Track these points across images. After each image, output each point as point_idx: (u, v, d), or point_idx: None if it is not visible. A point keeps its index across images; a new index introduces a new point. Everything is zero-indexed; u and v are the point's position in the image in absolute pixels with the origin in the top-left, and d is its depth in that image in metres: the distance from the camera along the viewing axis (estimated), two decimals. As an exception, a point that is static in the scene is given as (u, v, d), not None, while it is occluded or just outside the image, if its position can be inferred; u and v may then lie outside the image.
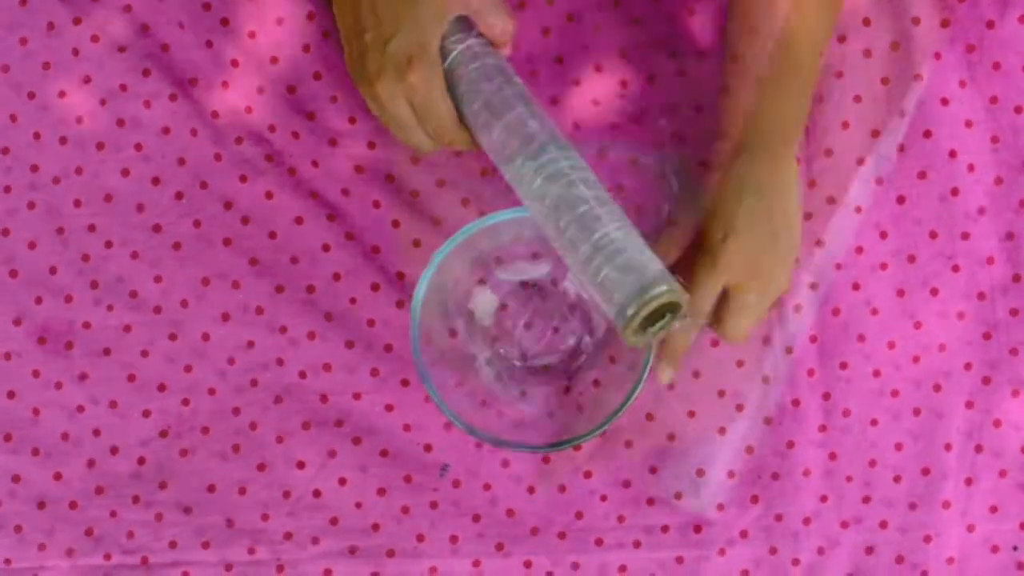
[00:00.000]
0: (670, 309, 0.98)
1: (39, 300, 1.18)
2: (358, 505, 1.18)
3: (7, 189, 1.18)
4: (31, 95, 1.18)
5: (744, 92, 1.07)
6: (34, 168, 1.18)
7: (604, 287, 0.97)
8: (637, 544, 1.17)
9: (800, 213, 1.08)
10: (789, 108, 1.08)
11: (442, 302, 1.11)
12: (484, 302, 1.15)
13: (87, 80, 1.18)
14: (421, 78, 1.02)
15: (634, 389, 1.05)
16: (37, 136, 1.18)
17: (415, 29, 1.01)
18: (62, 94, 1.18)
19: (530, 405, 1.14)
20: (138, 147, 1.18)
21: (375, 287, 1.18)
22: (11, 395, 1.18)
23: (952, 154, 1.17)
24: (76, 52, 1.18)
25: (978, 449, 1.17)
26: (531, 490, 1.17)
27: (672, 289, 0.96)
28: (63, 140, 1.18)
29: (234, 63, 1.18)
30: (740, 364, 1.17)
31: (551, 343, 1.16)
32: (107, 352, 1.18)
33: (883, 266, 1.17)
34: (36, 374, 1.18)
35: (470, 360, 1.15)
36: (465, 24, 1.04)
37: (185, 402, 1.18)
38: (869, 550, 1.17)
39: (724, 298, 1.06)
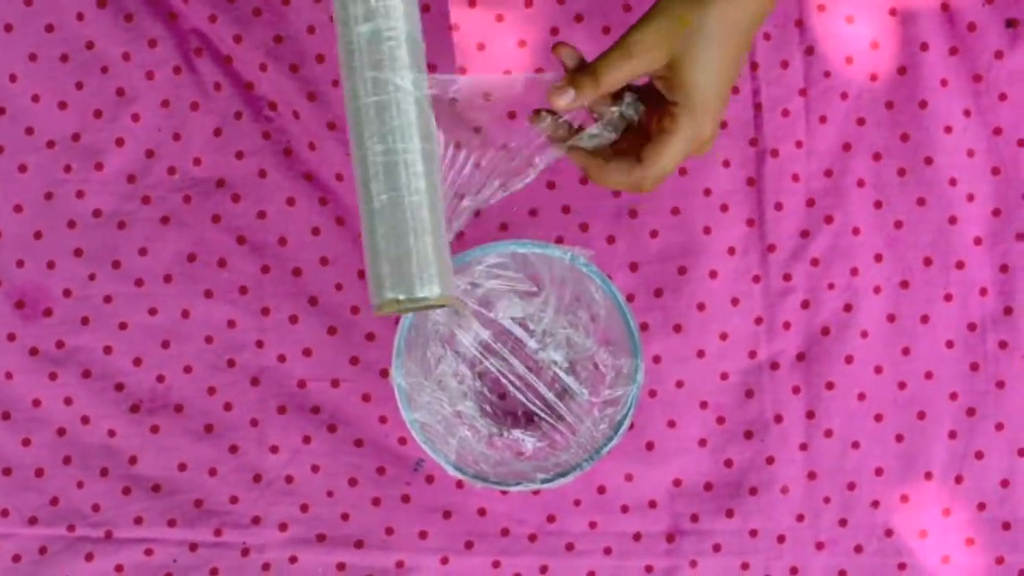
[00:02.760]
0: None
1: (21, 264, 1.17)
2: (329, 494, 1.16)
3: (0, 150, 1.17)
4: (32, 57, 1.18)
5: None
6: (29, 131, 1.17)
7: (378, 253, 0.88)
8: (608, 551, 1.16)
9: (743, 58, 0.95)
10: None
11: (423, 345, 1.10)
12: (466, 344, 1.13)
13: (90, 46, 1.18)
14: None
15: (621, 423, 1.04)
16: (36, 99, 1.18)
17: None
18: (64, 58, 1.18)
19: (514, 442, 1.13)
20: (135, 117, 1.17)
21: (362, 274, 1.17)
22: (-16, 357, 1.17)
23: (952, 182, 1.16)
24: (81, 17, 1.18)
25: (958, 480, 1.16)
26: (503, 491, 1.15)
27: (442, 295, 0.88)
28: (62, 105, 1.17)
29: (237, 39, 1.17)
30: (724, 376, 1.16)
31: (528, 382, 1.15)
32: (85, 321, 1.17)
33: (876, 290, 1.16)
34: (12, 338, 1.17)
35: (456, 397, 1.13)
36: None
37: (160, 378, 1.17)
38: (842, 574, 1.15)
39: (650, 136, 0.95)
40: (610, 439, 1.04)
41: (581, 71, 0.92)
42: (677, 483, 1.16)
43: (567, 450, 1.07)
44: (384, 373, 1.16)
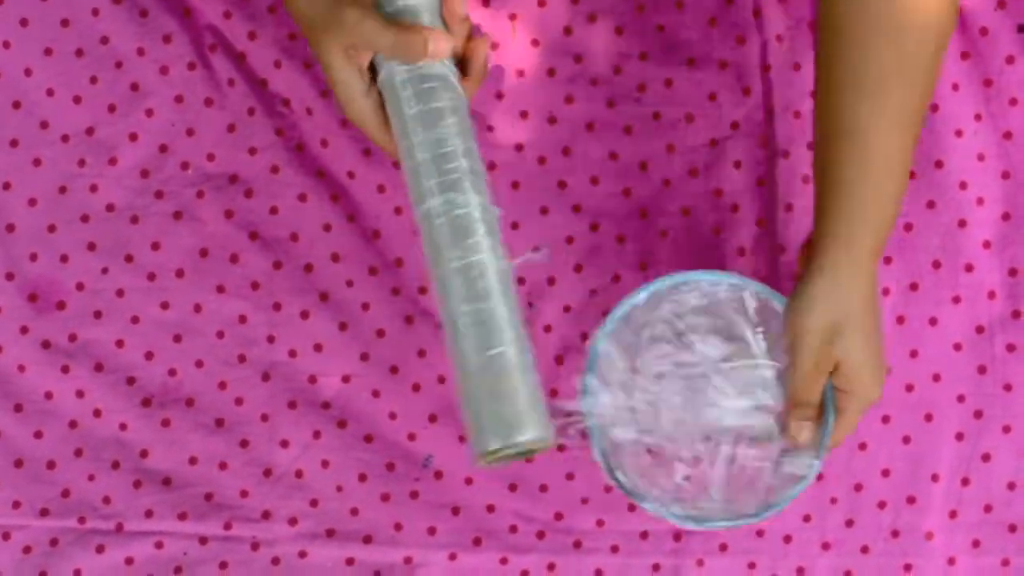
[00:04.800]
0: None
1: (34, 257, 1.18)
2: (339, 488, 1.17)
3: (14, 143, 1.18)
4: (48, 51, 1.18)
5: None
6: (44, 124, 1.18)
7: (476, 408, 0.94)
8: (615, 549, 1.16)
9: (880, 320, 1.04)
10: (848, 203, 1.00)
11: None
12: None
13: (105, 41, 1.18)
14: (337, 80, 0.98)
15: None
16: (50, 93, 1.18)
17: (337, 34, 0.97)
18: (79, 52, 1.18)
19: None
20: (149, 112, 1.18)
21: (372, 271, 1.17)
22: (-2, 349, 1.18)
23: (962, 186, 1.17)
24: (96, 12, 1.18)
25: (965, 482, 1.16)
26: (512, 487, 1.16)
27: (543, 439, 0.94)
28: (76, 99, 1.18)
29: (251, 35, 1.17)
30: (733, 377, 1.16)
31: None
32: (98, 315, 1.17)
33: (885, 292, 1.16)
34: (24, 330, 1.17)
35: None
36: None
37: (171, 372, 1.17)
38: (848, 574, 1.16)
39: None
40: (753, 516, 1.04)
41: (794, 406, 1.04)
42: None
43: (710, 501, 1.06)
44: (394, 370, 1.16)
